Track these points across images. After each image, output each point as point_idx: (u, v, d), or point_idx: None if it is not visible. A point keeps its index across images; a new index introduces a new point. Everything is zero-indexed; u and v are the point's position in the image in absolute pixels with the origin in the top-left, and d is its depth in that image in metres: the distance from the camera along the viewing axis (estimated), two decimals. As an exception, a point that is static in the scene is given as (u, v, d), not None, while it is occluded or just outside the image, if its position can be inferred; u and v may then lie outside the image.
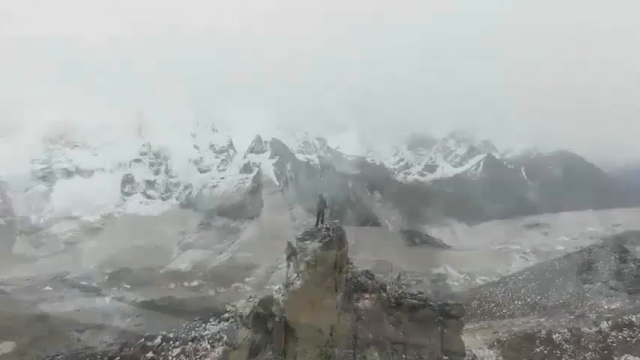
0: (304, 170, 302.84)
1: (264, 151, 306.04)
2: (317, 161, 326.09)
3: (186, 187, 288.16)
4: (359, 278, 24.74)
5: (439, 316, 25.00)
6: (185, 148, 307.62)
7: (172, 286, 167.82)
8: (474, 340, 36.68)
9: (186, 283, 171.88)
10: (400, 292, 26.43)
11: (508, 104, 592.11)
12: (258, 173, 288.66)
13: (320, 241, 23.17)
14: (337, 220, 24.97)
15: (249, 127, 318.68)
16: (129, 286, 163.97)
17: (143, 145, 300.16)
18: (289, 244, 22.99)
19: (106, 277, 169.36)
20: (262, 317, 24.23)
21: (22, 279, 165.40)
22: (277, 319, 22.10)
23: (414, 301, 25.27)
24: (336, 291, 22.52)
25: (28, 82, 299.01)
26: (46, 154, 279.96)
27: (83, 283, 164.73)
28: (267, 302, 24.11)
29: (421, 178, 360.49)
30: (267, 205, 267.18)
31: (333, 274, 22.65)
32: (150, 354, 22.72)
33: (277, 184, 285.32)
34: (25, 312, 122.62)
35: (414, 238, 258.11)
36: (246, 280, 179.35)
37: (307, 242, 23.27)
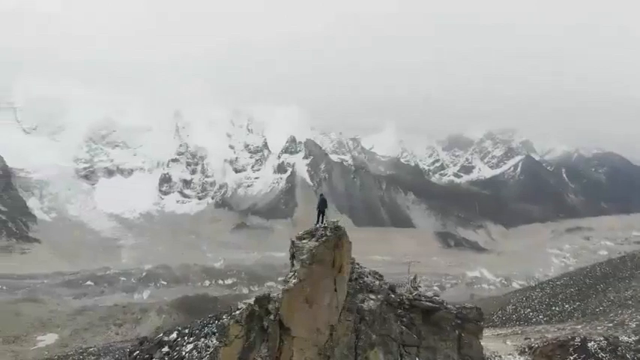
0: (338, 170, 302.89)
1: (298, 152, 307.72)
2: (350, 161, 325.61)
3: (221, 187, 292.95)
4: (365, 279, 24.56)
5: (456, 319, 24.57)
6: (221, 148, 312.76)
7: (207, 283, 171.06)
8: (504, 345, 35.86)
9: (220, 281, 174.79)
10: (415, 294, 26.11)
11: (549, 104, 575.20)
12: (292, 173, 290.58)
13: (317, 240, 23.19)
14: (336, 220, 24.94)
15: (283, 128, 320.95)
16: (165, 283, 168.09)
17: (180, 146, 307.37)
18: (293, 242, 23.08)
19: (144, 274, 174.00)
20: (258, 315, 24.44)
21: (65, 273, 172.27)
22: (272, 317, 22.26)
23: (428, 303, 24.89)
24: (336, 291, 22.43)
25: (73, 83, 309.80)
26: (88, 154, 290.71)
27: (122, 278, 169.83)
28: (263, 300, 24.27)
29: (457, 180, 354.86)
30: (301, 205, 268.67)
31: (332, 273, 22.57)
32: (165, 348, 23.22)
33: (311, 184, 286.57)
34: (67, 305, 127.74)
35: (449, 241, 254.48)
36: (279, 279, 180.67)
37: (304, 241, 23.34)
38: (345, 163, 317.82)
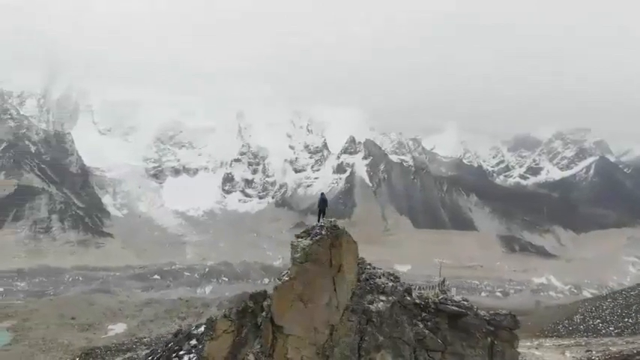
0: (397, 171, 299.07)
1: (357, 152, 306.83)
2: (411, 162, 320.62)
3: (281, 186, 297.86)
4: (377, 280, 23.90)
5: (487, 326, 23.46)
6: (281, 148, 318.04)
7: (266, 281, 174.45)
8: (561, 357, 33.96)
9: (279, 280, 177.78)
10: (440, 297, 25.19)
11: (625, 102, 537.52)
12: (352, 174, 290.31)
13: (311, 239, 22.86)
14: (334, 219, 24.45)
15: (343, 128, 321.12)
16: (226, 279, 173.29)
17: (242, 146, 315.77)
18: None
19: (207, 270, 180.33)
20: (252, 311, 24.39)
21: (134, 267, 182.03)
22: (265, 313, 22.17)
23: (454, 307, 23.89)
24: (335, 291, 22.00)
25: (143, 86, 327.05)
26: (157, 154, 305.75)
27: (186, 273, 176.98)
28: (258, 296, 24.24)
29: (523, 181, 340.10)
30: (360, 206, 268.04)
31: (330, 273, 22.14)
32: (193, 341, 24.03)
33: (370, 184, 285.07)
34: (135, 297, 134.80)
35: (513, 245, 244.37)
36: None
37: (300, 240, 23.11)
38: (405, 163, 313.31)
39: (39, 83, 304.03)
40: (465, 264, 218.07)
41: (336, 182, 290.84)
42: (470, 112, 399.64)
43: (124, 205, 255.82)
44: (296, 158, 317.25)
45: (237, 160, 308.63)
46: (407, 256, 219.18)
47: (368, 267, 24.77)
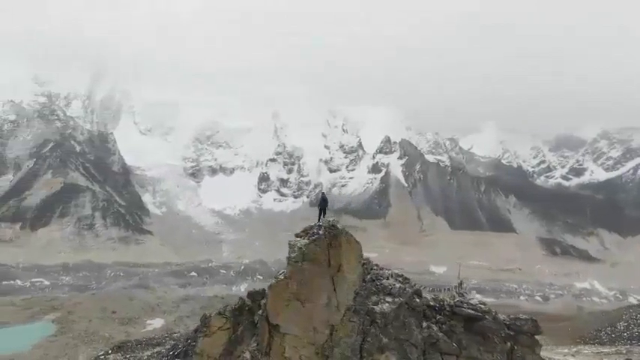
0: (434, 171, 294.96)
1: (392, 152, 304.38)
2: (447, 162, 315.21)
3: (316, 186, 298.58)
4: (383, 281, 23.38)
5: (506, 330, 22.74)
6: (316, 148, 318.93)
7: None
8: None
9: (275, 279, 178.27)
10: (456, 300, 24.54)
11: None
12: (387, 174, 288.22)
13: (308, 239, 22.56)
14: (334, 219, 24.05)
15: (378, 128, 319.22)
16: (261, 277, 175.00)
17: (278, 146, 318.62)
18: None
19: (242, 268, 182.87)
20: (249, 309, 24.28)
21: (172, 264, 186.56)
22: (261, 312, 22.02)
23: (469, 311, 23.24)
24: (335, 291, 21.63)
25: (182, 86, 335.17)
26: (195, 153, 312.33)
27: (222, 271, 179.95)
28: (256, 294, 24.13)
29: (565, 182, 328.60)
30: (395, 206, 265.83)
31: (329, 273, 21.78)
32: None
33: (405, 184, 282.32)
34: (173, 293, 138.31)
35: (554, 248, 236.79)
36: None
37: (297, 239, 22.87)
38: (441, 163, 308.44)
39: (84, 85, 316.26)
40: (503, 267, 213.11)
41: (371, 182, 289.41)
42: (509, 112, 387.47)
43: (162, 203, 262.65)
44: (331, 158, 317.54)
45: (273, 160, 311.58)
46: (443, 257, 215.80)
47: (374, 268, 24.46)
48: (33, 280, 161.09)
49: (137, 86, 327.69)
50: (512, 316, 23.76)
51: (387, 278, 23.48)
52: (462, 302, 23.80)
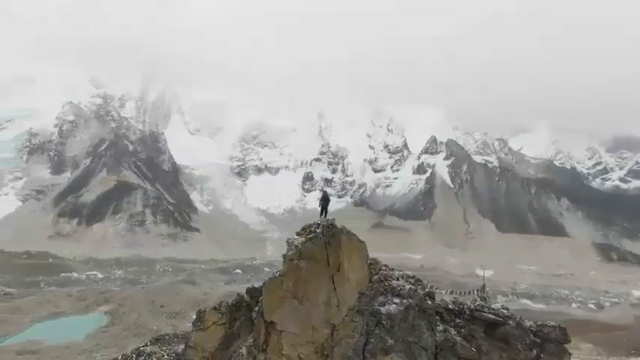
0: (481, 172, 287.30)
1: (438, 152, 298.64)
2: (496, 163, 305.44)
3: (360, 186, 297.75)
4: (392, 282, 22.51)
5: (531, 337, 21.59)
6: (361, 148, 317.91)
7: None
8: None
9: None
10: (477, 304, 23.48)
11: None
12: (432, 174, 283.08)
13: (304, 237, 22.01)
14: (333, 218, 23.36)
15: (424, 128, 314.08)
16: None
17: (323, 145, 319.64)
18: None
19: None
20: (247, 305, 23.92)
21: (218, 261, 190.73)
22: (257, 308, 21.65)
23: (490, 315, 22.17)
24: (335, 290, 20.99)
25: (229, 87, 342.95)
26: (241, 153, 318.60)
27: (266, 269, 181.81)
28: (254, 291, 23.76)
29: (623, 185, 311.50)
30: (440, 207, 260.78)
31: (328, 272, 21.15)
32: None
33: (451, 186, 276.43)
34: (218, 289, 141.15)
35: (611, 254, 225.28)
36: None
37: (296, 238, 22.38)
38: (489, 164, 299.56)
39: (137, 87, 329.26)
40: (554, 272, 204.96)
41: (416, 183, 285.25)
42: (563, 112, 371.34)
43: (210, 201, 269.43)
44: (375, 158, 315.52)
45: (318, 160, 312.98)
46: (490, 261, 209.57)
47: (383, 268, 23.87)
48: (88, 272, 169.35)
49: (186, 87, 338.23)
50: (538, 323, 22.72)
51: (397, 279, 22.87)
52: (482, 306, 22.99)
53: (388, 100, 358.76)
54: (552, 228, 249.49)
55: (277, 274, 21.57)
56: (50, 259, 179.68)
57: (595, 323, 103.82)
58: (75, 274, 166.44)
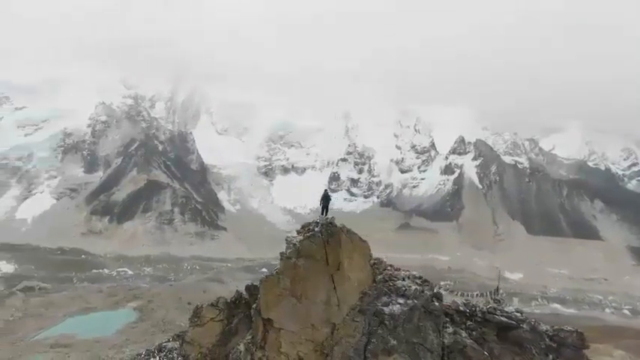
0: (511, 173, 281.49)
1: (467, 153, 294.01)
2: (526, 164, 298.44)
3: (387, 187, 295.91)
4: (397, 282, 22.05)
5: (547, 342, 20.90)
6: (387, 148, 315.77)
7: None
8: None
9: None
10: (489, 306, 22.86)
11: None
12: (460, 175, 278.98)
13: (303, 236, 21.71)
14: (332, 217, 23.00)
15: (452, 128, 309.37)
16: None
17: (349, 146, 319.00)
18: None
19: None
20: (246, 302, 23.74)
21: (244, 259, 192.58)
22: (255, 305, 21.43)
23: (502, 318, 21.54)
24: (335, 289, 20.63)
25: (256, 88, 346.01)
26: (268, 153, 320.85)
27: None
28: (253, 288, 23.57)
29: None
30: (468, 209, 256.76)
31: (327, 270, 20.80)
32: None
33: (480, 187, 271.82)
34: (243, 288, 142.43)
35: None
36: (442, 283, 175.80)
37: (294, 236, 22.12)
38: (519, 165, 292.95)
39: (167, 87, 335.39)
40: (586, 276, 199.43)
41: (443, 183, 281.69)
42: (597, 111, 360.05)
43: (237, 200, 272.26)
44: (402, 158, 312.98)
45: (344, 160, 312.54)
46: (519, 263, 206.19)
47: (388, 268, 23.56)
48: (119, 269, 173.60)
49: (215, 88, 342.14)
50: (555, 327, 22.09)
51: (403, 279, 22.58)
52: (495, 309, 22.54)
53: (415, 100, 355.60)
54: (585, 231, 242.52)
55: (274, 272, 21.64)
56: (83, 256, 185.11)
57: (630, 329, 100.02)
58: (106, 271, 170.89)
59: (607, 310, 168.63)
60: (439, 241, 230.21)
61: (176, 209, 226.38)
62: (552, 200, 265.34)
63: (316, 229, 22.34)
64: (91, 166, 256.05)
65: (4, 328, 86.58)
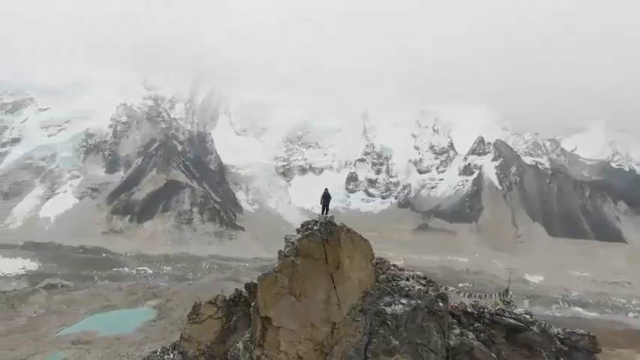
0: (531, 174, 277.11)
1: (486, 153, 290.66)
2: (547, 164, 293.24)
3: (404, 187, 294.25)
4: (400, 282, 21.70)
5: (558, 345, 20.38)
6: (406, 148, 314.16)
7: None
8: None
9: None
10: (497, 308, 22.42)
11: None
12: (479, 176, 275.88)
13: (301, 234, 21.45)
14: (332, 216, 22.69)
15: (471, 128, 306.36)
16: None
17: (367, 146, 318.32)
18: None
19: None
20: (245, 300, 23.58)
21: (262, 259, 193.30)
22: (253, 303, 21.26)
23: (510, 320, 21.09)
24: (335, 288, 20.36)
25: (274, 88, 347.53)
26: (286, 153, 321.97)
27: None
28: (253, 286, 23.38)
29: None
30: (487, 210, 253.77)
31: (327, 269, 20.53)
32: None
33: (499, 187, 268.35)
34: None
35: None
36: (460, 285, 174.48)
37: (293, 235, 21.89)
38: (540, 166, 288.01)
39: (186, 88, 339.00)
40: (609, 279, 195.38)
41: (462, 184, 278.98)
42: (621, 111, 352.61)
43: (255, 200, 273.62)
44: (420, 159, 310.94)
45: (362, 160, 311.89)
46: (539, 266, 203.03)
47: (391, 268, 23.33)
48: (138, 268, 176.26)
49: (233, 89, 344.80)
50: (567, 330, 21.63)
51: (408, 279, 22.33)
52: (503, 311, 22.19)
53: (434, 100, 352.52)
54: (608, 233, 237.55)
55: (272, 270, 21.64)
56: (103, 254, 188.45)
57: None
58: (126, 269, 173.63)
59: (630, 314, 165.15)
60: (458, 242, 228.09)
61: (195, 209, 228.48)
62: (574, 202, 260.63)
63: (315, 227, 22.28)
64: (112, 166, 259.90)
65: (28, 324, 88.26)
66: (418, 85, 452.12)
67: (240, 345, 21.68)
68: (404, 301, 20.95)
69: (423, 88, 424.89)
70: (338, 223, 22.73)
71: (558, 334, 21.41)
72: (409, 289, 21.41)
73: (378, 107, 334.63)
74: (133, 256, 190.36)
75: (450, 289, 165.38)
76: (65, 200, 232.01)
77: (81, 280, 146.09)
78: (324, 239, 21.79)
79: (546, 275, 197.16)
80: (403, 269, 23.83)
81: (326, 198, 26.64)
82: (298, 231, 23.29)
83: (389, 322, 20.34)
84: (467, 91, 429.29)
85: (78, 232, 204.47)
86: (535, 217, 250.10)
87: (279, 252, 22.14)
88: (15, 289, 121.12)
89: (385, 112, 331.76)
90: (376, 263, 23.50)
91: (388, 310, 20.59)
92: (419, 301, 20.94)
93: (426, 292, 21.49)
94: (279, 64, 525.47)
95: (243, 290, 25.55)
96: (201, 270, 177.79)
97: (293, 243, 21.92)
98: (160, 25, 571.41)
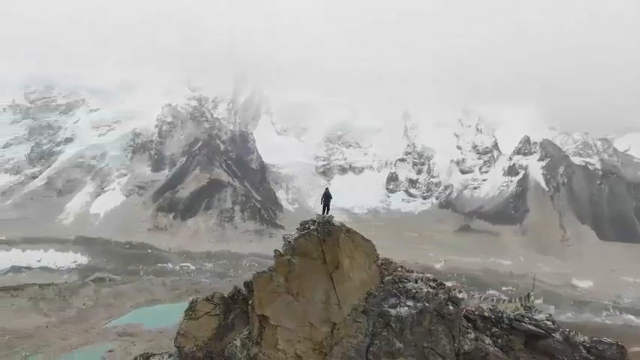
0: (580, 175, 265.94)
1: (532, 153, 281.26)
2: (598, 165, 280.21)
3: (446, 188, 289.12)
4: (407, 284, 20.79)
5: (583, 353, 19.20)
6: (448, 148, 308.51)
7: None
8: None
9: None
10: (517, 313, 21.29)
11: None
12: (525, 176, 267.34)
13: (298, 234, 20.81)
14: (331, 216, 21.89)
15: (517, 128, 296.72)
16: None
17: (408, 146, 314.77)
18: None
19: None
20: (244, 298, 23.12)
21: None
22: (251, 302, 20.79)
23: (530, 326, 19.96)
24: (335, 288, 19.68)
25: (315, 88, 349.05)
26: (326, 153, 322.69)
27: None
28: (251, 285, 22.87)
29: None
30: (533, 212, 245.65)
31: (325, 269, 19.86)
32: None
33: (546, 189, 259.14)
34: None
35: None
36: (503, 288, 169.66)
37: (291, 234, 21.29)
38: (590, 166, 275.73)
39: (229, 89, 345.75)
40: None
41: (507, 185, 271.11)
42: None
43: (295, 199, 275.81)
44: (463, 159, 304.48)
45: (402, 160, 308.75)
46: (589, 270, 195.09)
47: (398, 269, 22.66)
48: (182, 264, 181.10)
49: (275, 89, 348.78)
50: (594, 339, 20.50)
51: (416, 282, 21.68)
52: (522, 316, 21.26)
53: (477, 100, 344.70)
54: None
55: (268, 269, 21.63)
56: (149, 250, 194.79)
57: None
58: (170, 265, 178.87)
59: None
60: (501, 244, 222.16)
61: (236, 207, 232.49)
62: (627, 204, 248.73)
63: (312, 227, 22.13)
64: (157, 165, 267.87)
65: (78, 315, 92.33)
66: (461, 85, 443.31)
67: (238, 342, 21.75)
68: (410, 303, 20.47)
69: (466, 88, 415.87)
70: (337, 223, 22.49)
71: (584, 342, 20.42)
72: (416, 292, 20.89)
73: (419, 107, 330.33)
74: (176, 252, 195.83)
75: (491, 291, 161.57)
76: (114, 197, 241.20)
77: (127, 274, 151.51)
78: (321, 239, 21.64)
79: (596, 280, 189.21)
80: (412, 271, 23.32)
81: (327, 197, 26.48)
82: (298, 230, 23.32)
83: (393, 325, 19.94)
84: (512, 91, 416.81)
85: (125, 229, 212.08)
86: (584, 219, 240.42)
87: (275, 251, 22.17)
88: (66, 282, 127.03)
89: (427, 111, 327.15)
90: (381, 264, 23.13)
91: (392, 311, 20.18)
92: (426, 304, 20.40)
93: (436, 294, 20.91)
94: (320, 64, 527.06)
95: (242, 288, 25.74)
96: (242, 267, 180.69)
97: (290, 242, 21.91)
98: (204, 27, 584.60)
